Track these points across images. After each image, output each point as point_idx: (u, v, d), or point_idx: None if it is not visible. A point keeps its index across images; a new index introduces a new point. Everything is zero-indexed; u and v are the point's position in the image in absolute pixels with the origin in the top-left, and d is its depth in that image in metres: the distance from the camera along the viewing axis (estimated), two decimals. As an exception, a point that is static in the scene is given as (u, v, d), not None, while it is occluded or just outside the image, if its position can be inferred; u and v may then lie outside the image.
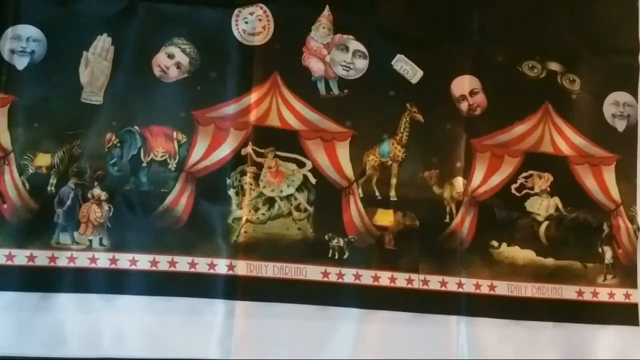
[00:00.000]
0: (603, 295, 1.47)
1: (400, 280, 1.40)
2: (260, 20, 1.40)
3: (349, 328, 1.37)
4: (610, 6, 1.55)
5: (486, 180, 1.46)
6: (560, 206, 1.48)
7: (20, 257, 1.28)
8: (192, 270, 1.33)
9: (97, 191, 1.33)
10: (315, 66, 1.42)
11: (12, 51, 1.33)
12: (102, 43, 1.36)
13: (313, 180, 1.39)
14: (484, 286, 1.43)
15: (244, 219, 1.35)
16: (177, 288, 1.32)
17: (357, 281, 1.38)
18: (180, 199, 1.34)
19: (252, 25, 1.40)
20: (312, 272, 1.36)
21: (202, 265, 1.33)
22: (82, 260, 1.31)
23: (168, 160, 1.36)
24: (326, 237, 1.38)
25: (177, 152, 1.36)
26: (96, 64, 1.35)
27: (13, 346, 1.27)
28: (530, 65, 1.50)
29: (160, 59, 1.37)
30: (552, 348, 1.44)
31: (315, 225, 1.38)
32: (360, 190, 1.41)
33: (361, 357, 1.37)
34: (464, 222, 1.44)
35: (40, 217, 1.30)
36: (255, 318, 1.34)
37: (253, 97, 1.38)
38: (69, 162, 1.32)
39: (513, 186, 1.47)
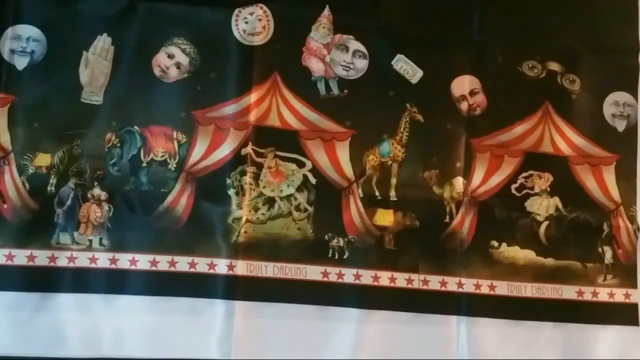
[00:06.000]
0: (603, 295, 1.47)
1: (400, 280, 1.40)
2: (260, 20, 1.40)
3: (349, 328, 1.37)
4: (610, 6, 1.55)
5: (486, 180, 1.46)
6: (560, 206, 1.48)
7: (20, 257, 1.28)
8: (192, 270, 1.33)
9: (97, 191, 1.33)
10: (315, 66, 1.42)
11: (12, 51, 1.33)
12: (102, 43, 1.36)
13: (313, 180, 1.39)
14: (484, 286, 1.43)
15: (244, 219, 1.35)
16: (177, 288, 1.32)
17: (357, 281, 1.38)
18: (180, 199, 1.34)
19: (252, 25, 1.40)
20: (312, 272, 1.36)
21: (202, 265, 1.33)
22: (82, 260, 1.31)
23: (168, 160, 1.36)
24: (326, 237, 1.38)
25: (177, 152, 1.36)
26: (96, 64, 1.35)
27: (13, 346, 1.28)
28: (530, 65, 1.50)
29: (160, 59, 1.37)
30: (552, 348, 1.44)
31: (315, 225, 1.38)
32: (360, 190, 1.41)
33: (361, 357, 1.37)
34: (464, 222, 1.44)
35: (40, 217, 1.30)
36: (255, 318, 1.34)
37: (253, 97, 1.38)
38: (69, 162, 1.32)
39: (513, 186, 1.47)
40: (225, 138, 1.37)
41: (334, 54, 1.43)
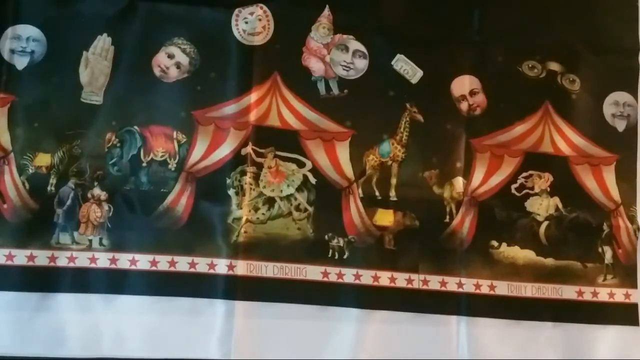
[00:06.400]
0: (603, 295, 1.47)
1: (400, 280, 1.40)
2: (260, 20, 1.40)
3: (349, 328, 1.37)
4: (610, 6, 1.55)
5: (486, 180, 1.46)
6: (560, 206, 1.48)
7: (20, 257, 1.28)
8: (192, 270, 1.33)
9: (97, 191, 1.33)
10: (315, 66, 1.42)
11: (12, 51, 1.33)
12: (102, 43, 1.36)
13: (313, 180, 1.39)
14: (484, 286, 1.43)
15: (243, 219, 1.35)
16: (177, 288, 1.32)
17: (357, 281, 1.38)
18: (180, 199, 1.34)
19: (252, 25, 1.40)
20: (312, 272, 1.36)
21: (202, 265, 1.33)
22: (82, 260, 1.31)
23: (168, 160, 1.36)
24: (326, 237, 1.38)
25: (177, 152, 1.36)
26: (96, 64, 1.35)
27: (13, 346, 1.28)
28: (530, 65, 1.50)
29: (160, 59, 1.37)
30: (552, 348, 1.44)
31: (315, 225, 1.38)
32: (360, 190, 1.41)
33: (361, 357, 1.37)
34: (464, 222, 1.44)
35: (40, 217, 1.30)
36: (255, 318, 1.34)
37: (253, 97, 1.38)
38: (69, 162, 1.32)
39: (513, 186, 1.47)
40: (225, 138, 1.37)
41: (334, 54, 1.43)
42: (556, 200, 1.48)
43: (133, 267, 1.31)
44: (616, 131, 1.53)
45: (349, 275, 1.38)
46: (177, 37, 1.38)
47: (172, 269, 1.32)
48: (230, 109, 1.37)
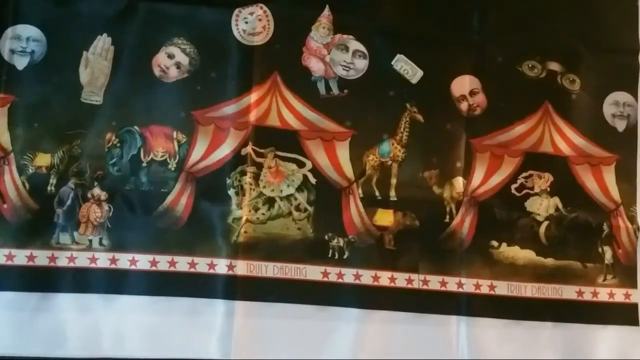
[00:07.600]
0: (603, 295, 1.47)
1: (400, 280, 1.40)
2: (260, 20, 1.40)
3: (349, 328, 1.37)
4: (610, 6, 1.55)
5: (486, 180, 1.46)
6: (560, 206, 1.48)
7: (20, 257, 1.28)
8: (192, 270, 1.33)
9: (97, 191, 1.33)
10: (315, 66, 1.42)
11: (12, 51, 1.33)
12: (102, 43, 1.36)
13: (313, 180, 1.39)
14: (484, 286, 1.43)
15: (243, 219, 1.35)
16: (177, 288, 1.32)
17: (357, 281, 1.38)
18: (180, 199, 1.34)
19: (252, 25, 1.40)
20: (312, 272, 1.36)
21: (202, 265, 1.33)
22: (82, 260, 1.31)
23: (168, 160, 1.36)
24: (326, 237, 1.38)
25: (177, 152, 1.36)
26: (96, 64, 1.35)
27: (13, 346, 1.27)
28: (530, 65, 1.50)
29: (160, 59, 1.37)
30: (552, 348, 1.44)
31: (315, 225, 1.38)
32: (360, 190, 1.41)
33: (361, 357, 1.37)
34: (464, 222, 1.44)
35: (40, 217, 1.30)
36: (255, 318, 1.34)
37: (253, 97, 1.38)
38: (69, 162, 1.32)
39: (513, 186, 1.47)
40: (225, 138, 1.37)
41: (334, 54, 1.43)
42: (556, 200, 1.48)
43: (133, 267, 1.31)
44: (616, 131, 1.53)
45: (349, 275, 1.38)
46: (177, 37, 1.38)
47: (172, 269, 1.32)
48: (230, 109, 1.37)
